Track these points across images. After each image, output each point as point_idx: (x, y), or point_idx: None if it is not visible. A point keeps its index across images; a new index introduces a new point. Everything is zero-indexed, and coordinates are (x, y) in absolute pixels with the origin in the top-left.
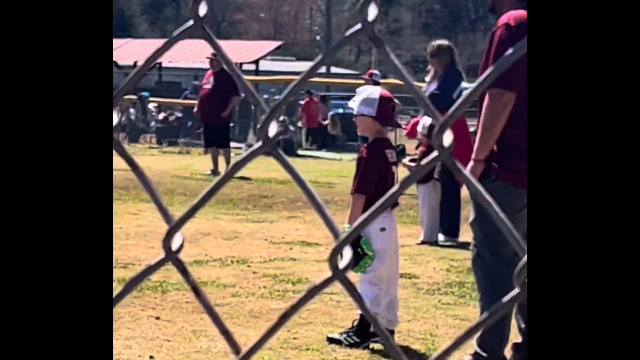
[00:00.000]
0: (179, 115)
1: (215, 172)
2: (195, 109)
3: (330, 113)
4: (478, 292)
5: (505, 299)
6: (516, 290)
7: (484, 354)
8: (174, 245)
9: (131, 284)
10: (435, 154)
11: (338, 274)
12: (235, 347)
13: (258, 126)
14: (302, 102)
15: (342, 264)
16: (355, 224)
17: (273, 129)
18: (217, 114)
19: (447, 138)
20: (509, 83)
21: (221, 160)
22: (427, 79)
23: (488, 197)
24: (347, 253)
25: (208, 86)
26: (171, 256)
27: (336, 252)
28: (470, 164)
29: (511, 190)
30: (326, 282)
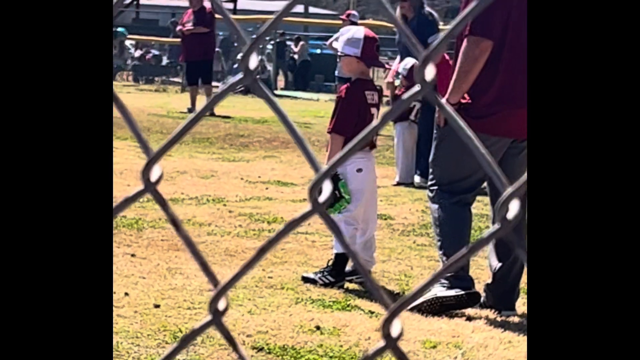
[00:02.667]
0: (156, 53)
1: (192, 110)
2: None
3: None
4: (434, 228)
5: (486, 233)
6: (496, 227)
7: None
8: (153, 177)
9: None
10: (417, 88)
11: (317, 208)
12: (213, 280)
13: (238, 58)
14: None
15: (321, 198)
16: (334, 159)
17: (254, 62)
18: (199, 51)
19: (430, 72)
20: (487, 31)
21: (203, 99)
22: None
23: (470, 132)
24: (327, 187)
25: (189, 24)
26: (150, 187)
27: (316, 186)
28: None
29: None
30: (305, 216)
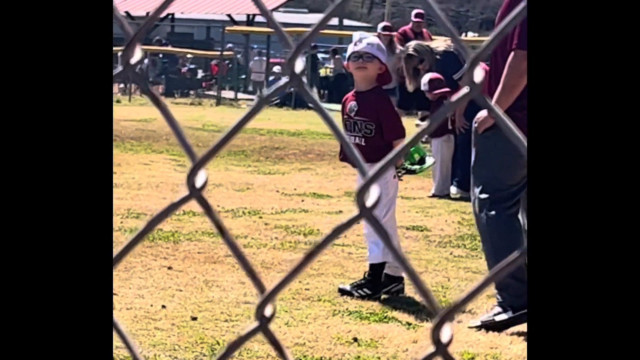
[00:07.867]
0: (191, 66)
1: None
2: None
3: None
4: (481, 239)
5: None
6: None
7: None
8: (198, 183)
9: (154, 222)
10: (466, 89)
11: (365, 212)
12: (260, 287)
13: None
14: None
15: (369, 202)
16: (382, 162)
17: (299, 65)
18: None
19: (478, 74)
20: None
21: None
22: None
23: (518, 132)
24: (374, 191)
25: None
26: (195, 193)
27: (364, 190)
28: (483, 113)
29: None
30: (353, 220)
